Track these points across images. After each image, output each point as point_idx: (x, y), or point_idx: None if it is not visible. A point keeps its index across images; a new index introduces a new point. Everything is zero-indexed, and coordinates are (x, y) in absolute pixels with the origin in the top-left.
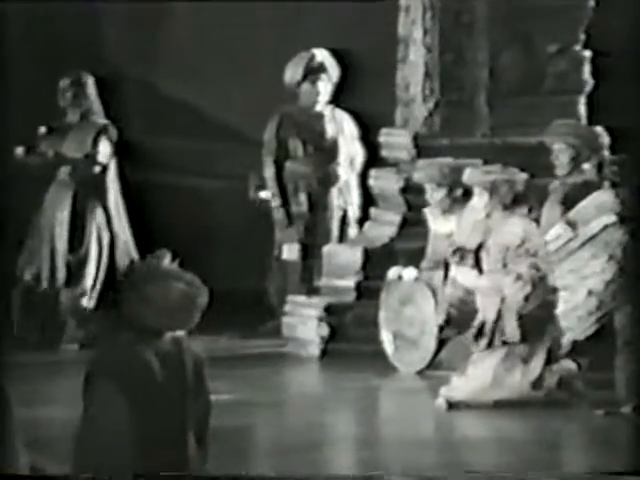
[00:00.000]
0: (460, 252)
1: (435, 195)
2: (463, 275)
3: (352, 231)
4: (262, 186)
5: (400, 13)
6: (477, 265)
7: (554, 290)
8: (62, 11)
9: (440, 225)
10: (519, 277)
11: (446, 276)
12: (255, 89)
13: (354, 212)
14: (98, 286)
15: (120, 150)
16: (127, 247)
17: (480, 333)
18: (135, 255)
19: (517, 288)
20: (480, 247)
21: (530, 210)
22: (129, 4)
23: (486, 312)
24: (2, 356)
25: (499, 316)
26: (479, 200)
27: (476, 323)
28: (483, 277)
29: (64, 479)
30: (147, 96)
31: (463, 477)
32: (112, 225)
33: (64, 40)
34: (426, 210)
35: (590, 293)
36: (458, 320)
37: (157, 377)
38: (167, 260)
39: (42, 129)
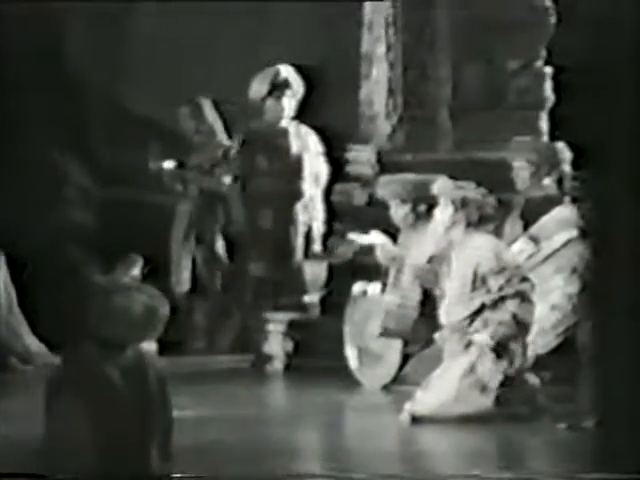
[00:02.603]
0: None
1: (399, 211)
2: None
3: (316, 247)
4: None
5: (363, 29)
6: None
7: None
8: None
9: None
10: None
11: (384, 284)
12: (219, 104)
13: (318, 228)
14: None
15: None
16: None
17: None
18: None
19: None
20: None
21: (495, 229)
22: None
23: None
24: None
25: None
26: (442, 212)
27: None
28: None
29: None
30: (108, 108)
31: None
32: None
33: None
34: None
35: (553, 307)
36: (396, 328)
37: (119, 392)
38: (139, 267)
39: None
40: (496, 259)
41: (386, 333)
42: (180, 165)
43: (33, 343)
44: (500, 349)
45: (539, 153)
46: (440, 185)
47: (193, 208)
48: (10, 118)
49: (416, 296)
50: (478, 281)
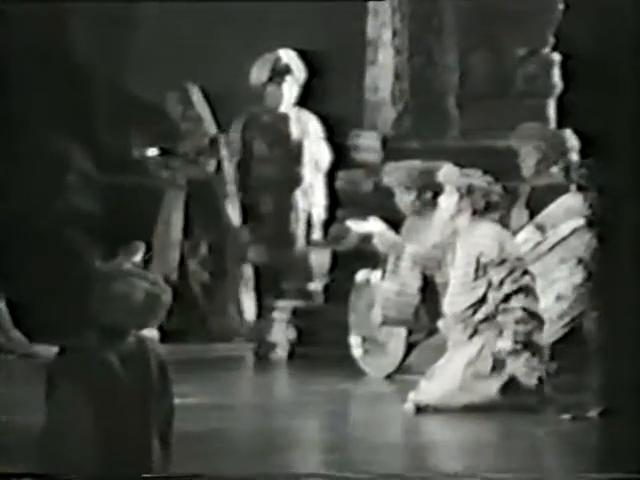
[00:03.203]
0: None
1: (404, 198)
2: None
3: (317, 233)
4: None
5: (369, 15)
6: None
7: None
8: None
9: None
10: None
11: (383, 271)
12: (220, 89)
13: (319, 214)
14: None
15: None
16: None
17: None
18: None
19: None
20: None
21: (501, 217)
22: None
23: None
24: None
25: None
26: (447, 200)
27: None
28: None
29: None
30: (113, 96)
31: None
32: None
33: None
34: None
35: (559, 297)
36: (397, 316)
37: (120, 379)
38: (141, 253)
39: None
40: (499, 249)
41: (387, 321)
42: (165, 152)
43: (15, 335)
44: (529, 347)
45: (546, 140)
46: (445, 172)
47: (183, 196)
48: (13, 106)
49: (416, 283)
50: (480, 270)
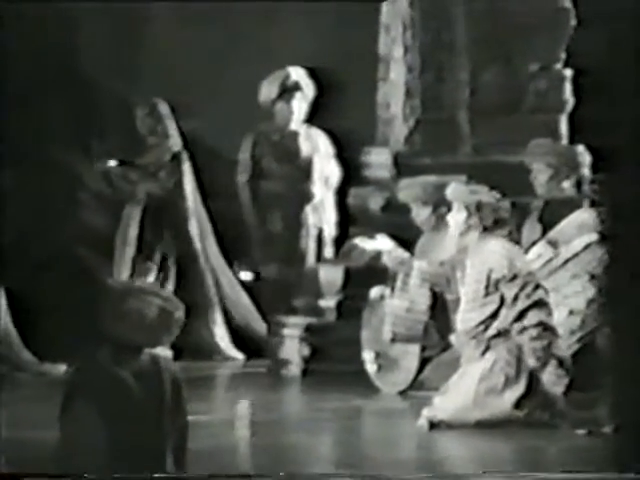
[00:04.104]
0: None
1: (420, 213)
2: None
3: (328, 250)
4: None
5: (380, 31)
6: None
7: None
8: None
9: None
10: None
11: (392, 288)
12: (230, 107)
13: (330, 231)
14: None
15: None
16: None
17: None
18: None
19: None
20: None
21: (510, 233)
22: (110, 20)
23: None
24: None
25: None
26: (455, 217)
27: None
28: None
29: (67, 478)
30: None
31: None
32: None
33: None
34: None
35: (571, 312)
36: (407, 333)
37: (134, 396)
38: (154, 273)
39: None
40: (509, 265)
41: (396, 338)
42: (124, 164)
43: (25, 355)
44: (552, 357)
45: (558, 156)
46: (453, 189)
47: (140, 211)
48: (26, 123)
49: (425, 300)
50: (491, 286)
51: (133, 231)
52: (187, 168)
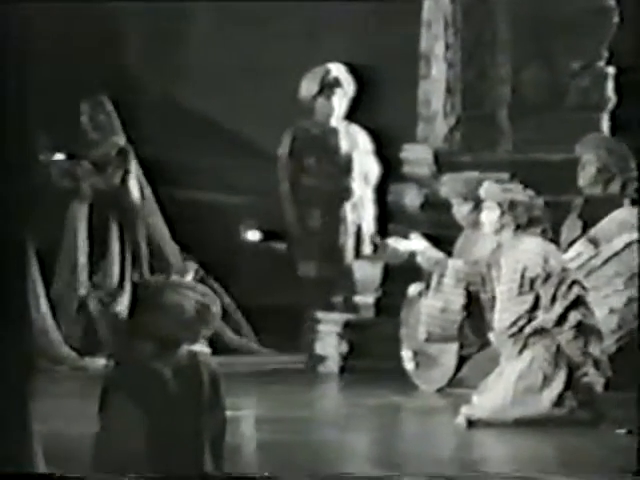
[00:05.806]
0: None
1: (461, 209)
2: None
3: (366, 247)
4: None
5: (422, 28)
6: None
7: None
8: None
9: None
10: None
11: (427, 286)
12: (271, 103)
13: (368, 227)
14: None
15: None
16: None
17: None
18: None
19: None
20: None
21: (544, 231)
22: (150, 18)
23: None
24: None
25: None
26: (489, 215)
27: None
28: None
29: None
30: (165, 111)
31: None
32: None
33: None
34: None
35: (611, 311)
36: (442, 333)
37: (172, 391)
38: (192, 273)
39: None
40: (543, 263)
41: (430, 338)
42: (71, 158)
43: (65, 349)
44: (596, 359)
45: (609, 151)
46: (487, 188)
47: (86, 208)
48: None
49: (460, 300)
50: (526, 285)
51: (82, 231)
52: (133, 163)
